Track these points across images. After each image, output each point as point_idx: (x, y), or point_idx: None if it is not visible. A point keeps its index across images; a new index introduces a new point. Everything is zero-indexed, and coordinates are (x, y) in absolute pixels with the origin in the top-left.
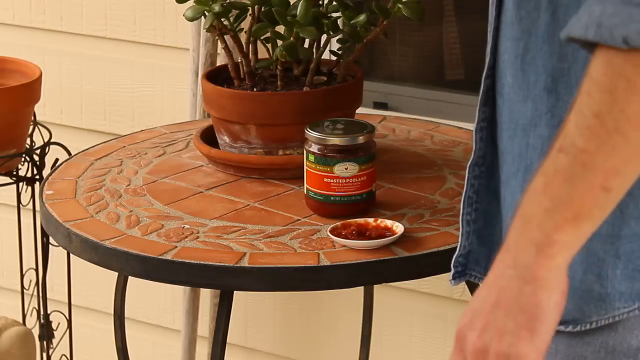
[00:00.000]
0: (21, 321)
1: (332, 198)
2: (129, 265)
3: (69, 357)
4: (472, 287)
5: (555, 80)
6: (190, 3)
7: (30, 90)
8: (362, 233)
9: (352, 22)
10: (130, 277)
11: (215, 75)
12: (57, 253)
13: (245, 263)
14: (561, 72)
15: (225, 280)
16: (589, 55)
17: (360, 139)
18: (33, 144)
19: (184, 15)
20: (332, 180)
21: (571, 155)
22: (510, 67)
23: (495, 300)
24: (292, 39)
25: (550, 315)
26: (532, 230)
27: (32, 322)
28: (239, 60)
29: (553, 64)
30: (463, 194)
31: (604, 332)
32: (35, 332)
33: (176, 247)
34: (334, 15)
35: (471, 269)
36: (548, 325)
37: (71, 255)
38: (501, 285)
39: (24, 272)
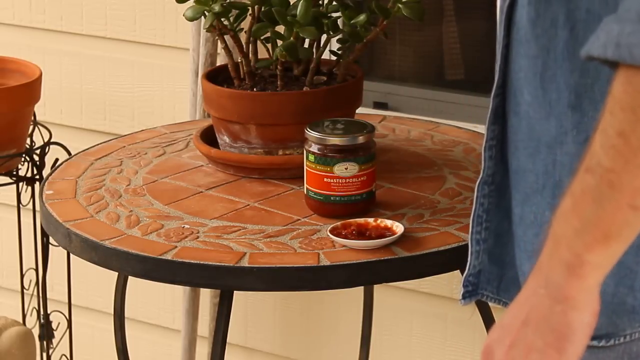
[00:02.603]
0: (21, 321)
1: (332, 198)
2: (129, 265)
3: (69, 357)
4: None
5: (579, 97)
6: (190, 3)
7: (30, 90)
8: (362, 233)
9: (352, 22)
10: (130, 277)
11: (215, 75)
12: (57, 253)
13: (245, 263)
14: (584, 88)
15: (225, 280)
16: (612, 71)
17: (360, 139)
18: (33, 144)
19: (184, 15)
20: (332, 180)
21: (597, 175)
22: (528, 85)
23: (525, 318)
24: (292, 39)
25: (579, 336)
26: (562, 250)
27: (32, 322)
28: (239, 60)
29: (575, 81)
30: (472, 213)
31: (629, 340)
32: (35, 332)
33: (176, 247)
34: (334, 15)
35: (483, 288)
36: (577, 345)
37: (71, 255)
38: (532, 303)
39: (24, 272)
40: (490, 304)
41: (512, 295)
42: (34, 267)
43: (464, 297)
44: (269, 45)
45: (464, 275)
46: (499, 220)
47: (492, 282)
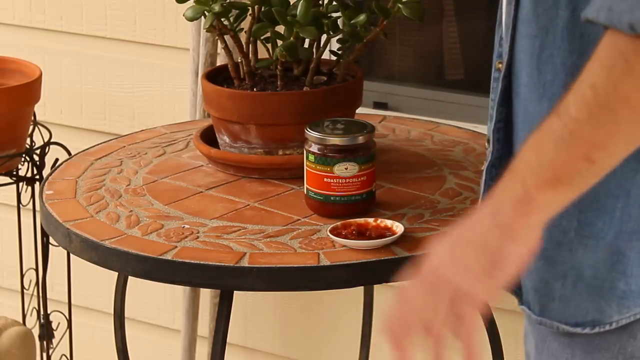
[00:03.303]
0: (21, 321)
1: (332, 198)
2: (129, 265)
3: (69, 357)
4: None
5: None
6: (190, 3)
7: (30, 90)
8: (362, 233)
9: (352, 22)
10: (130, 277)
11: (215, 75)
12: (57, 253)
13: (245, 263)
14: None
15: (225, 280)
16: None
17: (360, 139)
18: (33, 144)
19: (184, 15)
20: (332, 180)
21: (562, 121)
22: (525, 66)
23: (468, 234)
24: (292, 39)
25: (509, 266)
26: (515, 183)
27: (32, 322)
28: (239, 60)
29: (573, 62)
30: (480, 197)
31: (622, 339)
32: (35, 332)
33: (176, 247)
34: (334, 15)
35: None
36: (504, 273)
37: (71, 255)
38: (477, 222)
39: (24, 272)
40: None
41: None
42: (34, 267)
43: None
44: (269, 45)
45: None
46: None
47: None
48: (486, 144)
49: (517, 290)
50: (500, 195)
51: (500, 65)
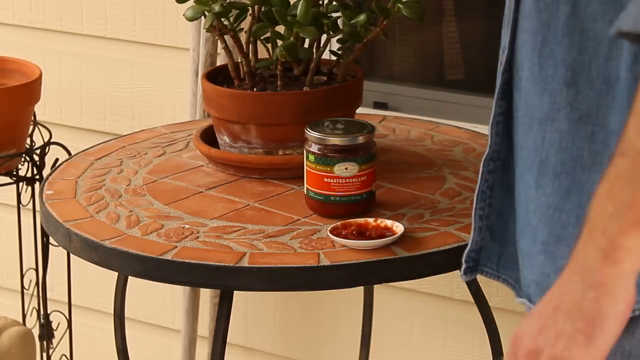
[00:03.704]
0: (21, 321)
1: (332, 198)
2: (129, 265)
3: (69, 357)
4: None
5: (576, 74)
6: (190, 3)
7: (30, 90)
8: (362, 233)
9: (352, 22)
10: (130, 277)
11: (215, 75)
12: (57, 253)
13: (245, 263)
14: (582, 65)
15: (225, 280)
16: (612, 48)
17: (360, 139)
18: (33, 144)
19: (184, 15)
20: (332, 180)
21: (630, 158)
22: (527, 60)
23: (557, 304)
24: (292, 39)
25: (610, 323)
26: (597, 236)
27: (32, 322)
28: (239, 60)
29: (573, 57)
30: (477, 189)
31: (620, 336)
32: (35, 332)
33: (176, 247)
34: (334, 15)
35: (483, 264)
36: (607, 333)
37: (71, 255)
38: (565, 290)
39: (24, 272)
40: (493, 280)
41: (511, 271)
42: (34, 267)
43: (464, 272)
44: (269, 45)
45: (466, 250)
46: (502, 197)
47: (492, 259)
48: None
49: (515, 284)
50: (583, 254)
51: (503, 58)
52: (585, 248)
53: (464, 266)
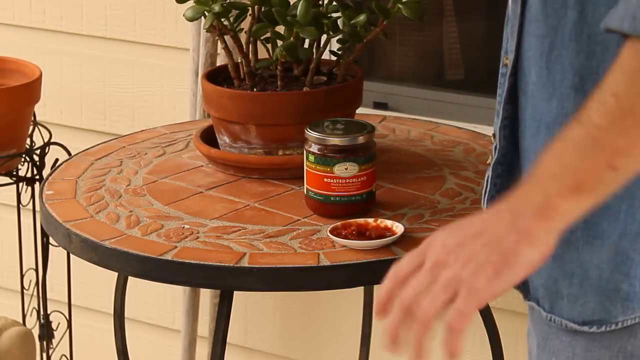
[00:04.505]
0: (21, 321)
1: (332, 198)
2: (129, 265)
3: (69, 357)
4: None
5: (583, 79)
6: (190, 3)
7: (30, 90)
8: (362, 233)
9: (352, 22)
10: (130, 277)
11: (215, 75)
12: (57, 253)
13: (245, 263)
14: (589, 70)
15: (225, 280)
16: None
17: (360, 139)
18: (33, 144)
19: (184, 15)
20: (332, 180)
21: (585, 128)
22: (534, 64)
23: (480, 230)
24: (292, 39)
25: (521, 269)
26: (536, 189)
27: (32, 322)
28: (239, 60)
29: (581, 62)
30: (484, 194)
31: (622, 337)
32: (35, 332)
33: (176, 247)
34: (334, 15)
35: None
36: (514, 276)
37: (71, 255)
38: (493, 222)
39: (24, 272)
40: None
41: None
42: (34, 267)
43: None
44: (269, 45)
45: None
46: None
47: None
48: (492, 138)
49: (523, 287)
50: (521, 200)
51: (507, 61)
52: (524, 194)
53: None
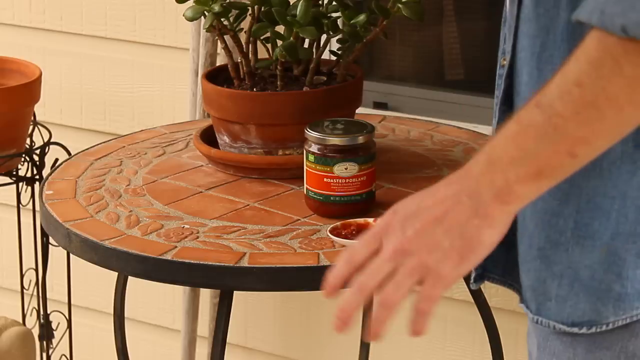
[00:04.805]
0: (21, 321)
1: (332, 198)
2: (129, 265)
3: (68, 357)
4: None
5: None
6: (190, 3)
7: (30, 90)
8: (362, 233)
9: (352, 22)
10: (130, 277)
11: (215, 75)
12: (57, 253)
13: (245, 263)
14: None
15: (225, 280)
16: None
17: (360, 139)
18: (33, 144)
19: (183, 15)
20: (332, 180)
21: (546, 115)
22: (526, 65)
23: (440, 215)
24: (292, 39)
25: (483, 251)
26: (495, 172)
27: (32, 322)
28: (239, 60)
29: None
30: None
31: (624, 337)
32: (35, 332)
33: (176, 247)
34: (334, 15)
35: (489, 270)
36: (478, 258)
37: (71, 255)
38: (452, 206)
39: (23, 272)
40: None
41: (515, 276)
42: (34, 267)
43: (475, 280)
44: (269, 45)
45: None
46: None
47: (498, 265)
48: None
49: (519, 288)
50: (477, 181)
51: (504, 62)
52: (480, 176)
53: (473, 274)
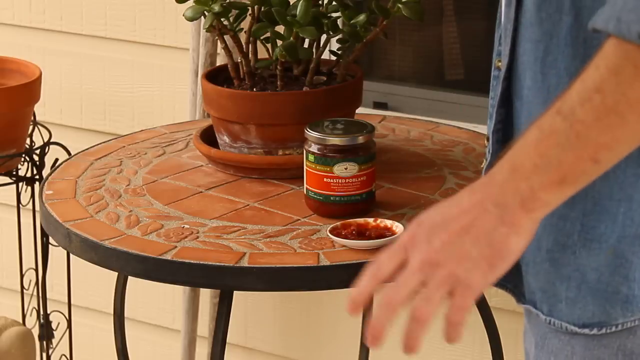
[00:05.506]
0: (21, 321)
1: (332, 198)
2: (129, 265)
3: (68, 357)
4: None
5: None
6: (190, 3)
7: (30, 90)
8: (362, 233)
9: (352, 22)
10: (130, 277)
11: (215, 75)
12: (57, 253)
13: (245, 263)
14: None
15: (225, 280)
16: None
17: (360, 139)
18: (33, 144)
19: (183, 15)
20: (332, 180)
21: (568, 122)
22: (529, 69)
23: (466, 225)
24: (292, 39)
25: (511, 259)
26: (519, 180)
27: (32, 322)
28: (239, 60)
29: (577, 67)
30: None
31: (622, 335)
32: (35, 332)
33: (176, 247)
34: (334, 15)
35: None
36: (506, 266)
37: (71, 255)
38: (478, 215)
39: (23, 272)
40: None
41: (512, 278)
42: (34, 267)
43: None
44: (269, 45)
45: None
46: None
47: None
48: (485, 141)
49: (515, 289)
50: (501, 189)
51: (499, 64)
52: (504, 184)
53: None
